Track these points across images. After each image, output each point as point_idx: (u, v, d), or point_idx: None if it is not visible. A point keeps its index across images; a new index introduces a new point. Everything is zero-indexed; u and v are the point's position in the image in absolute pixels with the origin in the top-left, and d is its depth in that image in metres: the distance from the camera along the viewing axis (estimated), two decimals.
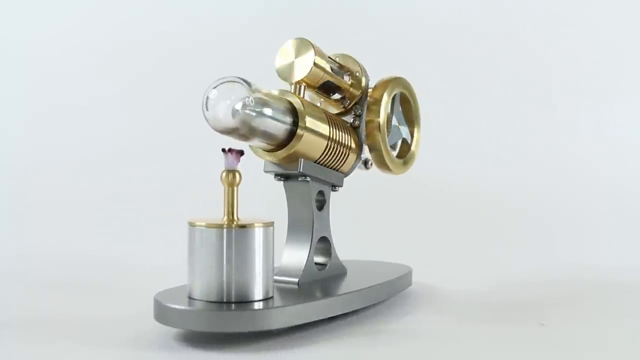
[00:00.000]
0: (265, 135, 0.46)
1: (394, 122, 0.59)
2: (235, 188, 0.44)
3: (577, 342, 0.46)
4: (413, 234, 0.85)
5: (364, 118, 0.56)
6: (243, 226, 0.43)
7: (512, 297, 0.61)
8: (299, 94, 0.50)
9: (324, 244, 0.55)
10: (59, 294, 0.59)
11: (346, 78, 0.56)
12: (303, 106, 0.48)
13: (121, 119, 1.05)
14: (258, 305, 0.43)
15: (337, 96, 0.57)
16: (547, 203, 0.97)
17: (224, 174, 0.44)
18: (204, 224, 0.43)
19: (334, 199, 0.55)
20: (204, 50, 1.06)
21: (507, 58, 1.07)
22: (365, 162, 0.58)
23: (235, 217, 0.44)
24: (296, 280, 0.50)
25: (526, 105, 1.06)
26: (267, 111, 0.45)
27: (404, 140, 0.61)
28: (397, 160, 0.59)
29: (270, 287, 0.45)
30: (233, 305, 0.42)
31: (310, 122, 0.48)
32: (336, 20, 1.08)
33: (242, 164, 0.45)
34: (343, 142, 0.53)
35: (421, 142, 0.62)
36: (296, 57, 0.51)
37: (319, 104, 0.56)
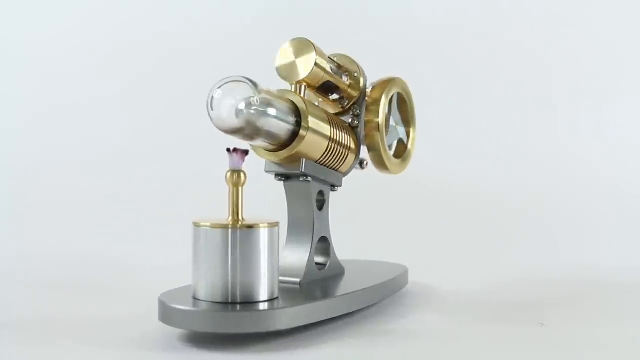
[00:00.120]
0: (269, 135, 0.46)
1: (392, 122, 0.59)
2: (240, 188, 0.44)
3: (577, 342, 0.46)
4: (412, 234, 0.85)
5: (363, 118, 0.56)
6: (249, 226, 0.43)
7: (512, 297, 0.61)
8: (300, 93, 0.50)
9: (324, 244, 0.55)
10: (59, 294, 0.59)
11: (344, 78, 0.56)
12: (306, 106, 0.48)
13: (121, 119, 1.05)
14: (263, 306, 0.42)
15: (334, 96, 0.57)
16: (547, 203, 0.97)
17: (229, 174, 0.44)
18: (209, 224, 0.43)
19: (331, 198, 0.55)
20: (204, 50, 1.06)
21: (507, 58, 1.07)
22: (361, 162, 0.58)
23: (240, 218, 0.44)
24: (298, 280, 0.50)
25: (526, 105, 1.06)
26: (272, 111, 0.44)
27: (400, 140, 0.61)
28: (394, 160, 0.59)
29: (276, 288, 0.45)
30: (238, 306, 0.42)
31: (312, 122, 0.48)
32: (334, 20, 1.07)
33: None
34: (343, 142, 0.53)
35: (419, 142, 0.62)
36: (297, 56, 0.51)
37: (316, 104, 0.56)
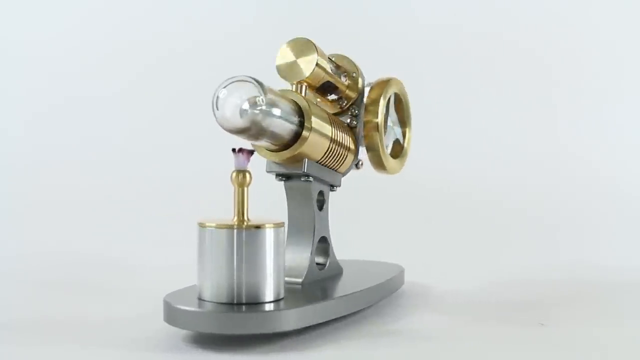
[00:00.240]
0: (273, 135, 0.45)
1: (389, 122, 0.59)
2: (245, 188, 0.44)
3: (577, 342, 0.46)
4: (411, 234, 0.85)
5: (362, 118, 0.56)
6: (254, 227, 0.43)
7: (512, 297, 0.61)
8: (301, 93, 0.50)
9: (323, 244, 0.55)
10: (60, 294, 0.59)
11: (343, 79, 0.56)
12: (309, 106, 0.48)
13: (121, 118, 1.05)
14: (269, 307, 0.42)
15: (332, 97, 0.57)
16: (547, 203, 0.97)
17: (234, 174, 0.44)
18: (214, 224, 0.43)
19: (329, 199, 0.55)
20: (204, 50, 1.06)
21: (507, 58, 1.07)
22: (357, 163, 0.58)
23: (245, 218, 0.44)
24: (300, 280, 0.50)
25: (526, 105, 1.06)
26: (278, 112, 0.44)
27: (397, 141, 0.61)
28: (392, 160, 0.59)
29: (282, 289, 0.44)
30: (244, 306, 0.42)
31: (315, 122, 0.48)
32: (334, 20, 1.07)
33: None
34: (343, 142, 0.53)
35: (418, 141, 0.63)
36: (298, 56, 0.51)
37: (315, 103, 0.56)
